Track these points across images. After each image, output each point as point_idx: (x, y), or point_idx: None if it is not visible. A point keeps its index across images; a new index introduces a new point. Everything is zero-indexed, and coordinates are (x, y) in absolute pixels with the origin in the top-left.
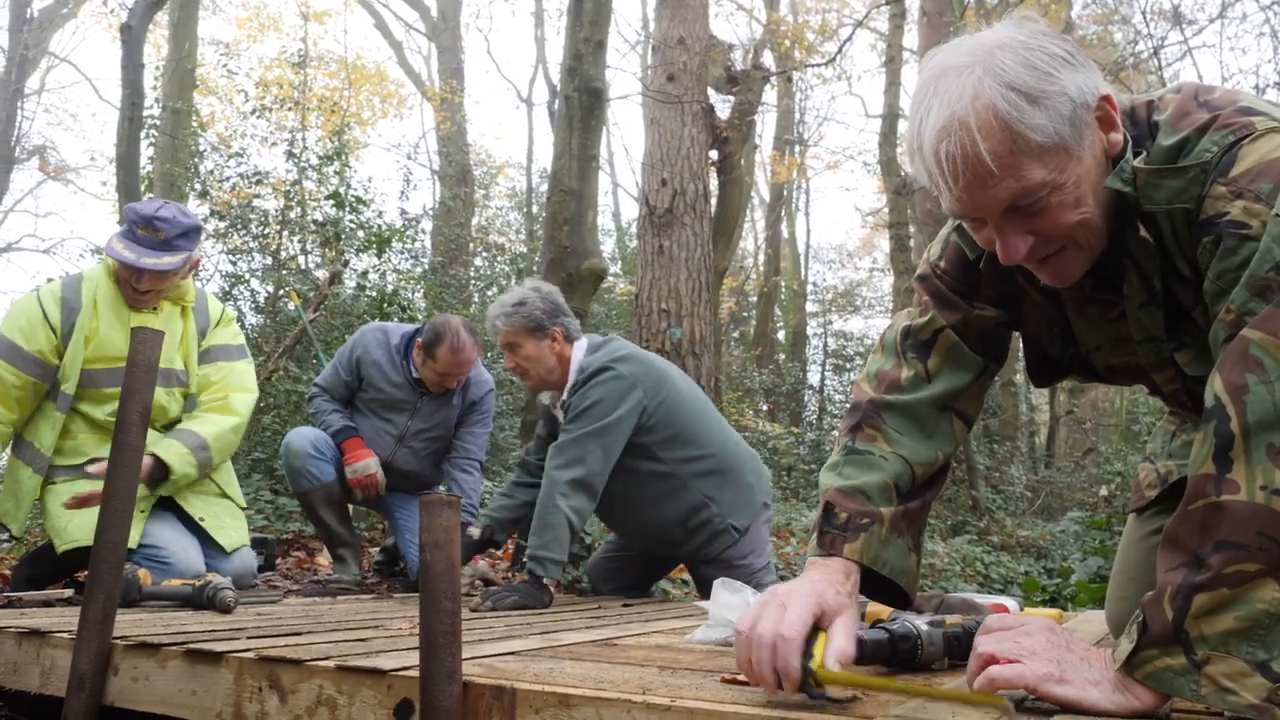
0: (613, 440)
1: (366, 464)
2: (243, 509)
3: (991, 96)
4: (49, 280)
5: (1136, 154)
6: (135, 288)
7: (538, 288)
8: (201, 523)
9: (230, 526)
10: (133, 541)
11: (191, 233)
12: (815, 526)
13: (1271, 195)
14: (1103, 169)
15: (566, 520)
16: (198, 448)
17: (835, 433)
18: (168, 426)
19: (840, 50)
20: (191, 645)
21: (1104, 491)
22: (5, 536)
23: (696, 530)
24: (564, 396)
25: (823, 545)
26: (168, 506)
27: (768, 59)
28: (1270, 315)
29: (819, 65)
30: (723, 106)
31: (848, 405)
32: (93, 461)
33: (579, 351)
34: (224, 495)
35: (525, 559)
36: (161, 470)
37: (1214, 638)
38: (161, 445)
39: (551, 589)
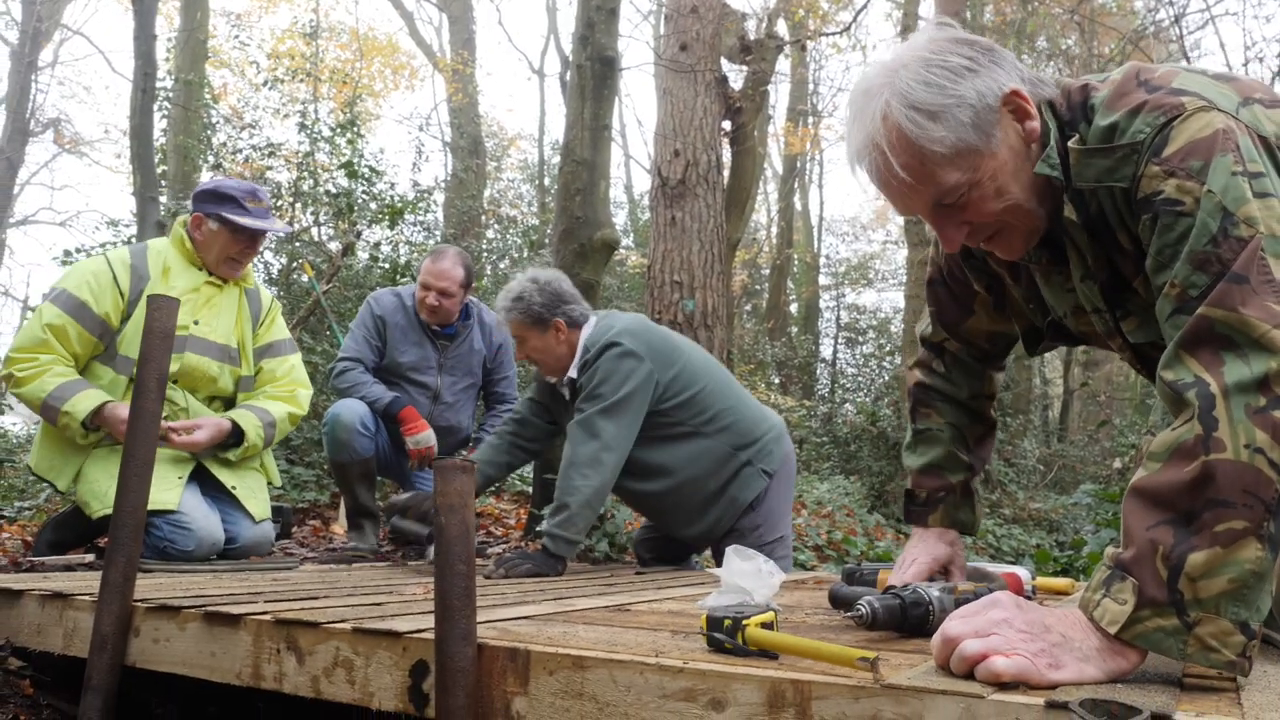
0: (627, 415)
1: (427, 435)
2: (277, 485)
3: (897, 118)
4: (89, 248)
5: (1071, 136)
6: (239, 260)
7: (535, 279)
8: (234, 490)
9: (259, 497)
10: (175, 504)
11: None
12: (905, 506)
13: (1202, 172)
14: (1023, 156)
15: (585, 501)
16: (268, 424)
17: (847, 405)
18: (213, 399)
19: (855, 19)
20: (210, 608)
21: (1117, 464)
22: (28, 504)
23: (728, 483)
24: (571, 374)
25: (912, 521)
26: (193, 476)
27: (782, 28)
28: (1225, 292)
29: (833, 34)
30: (736, 76)
31: (908, 390)
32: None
33: (585, 332)
34: (256, 469)
35: (541, 533)
36: (236, 436)
37: (1209, 601)
38: (239, 414)
39: (565, 561)
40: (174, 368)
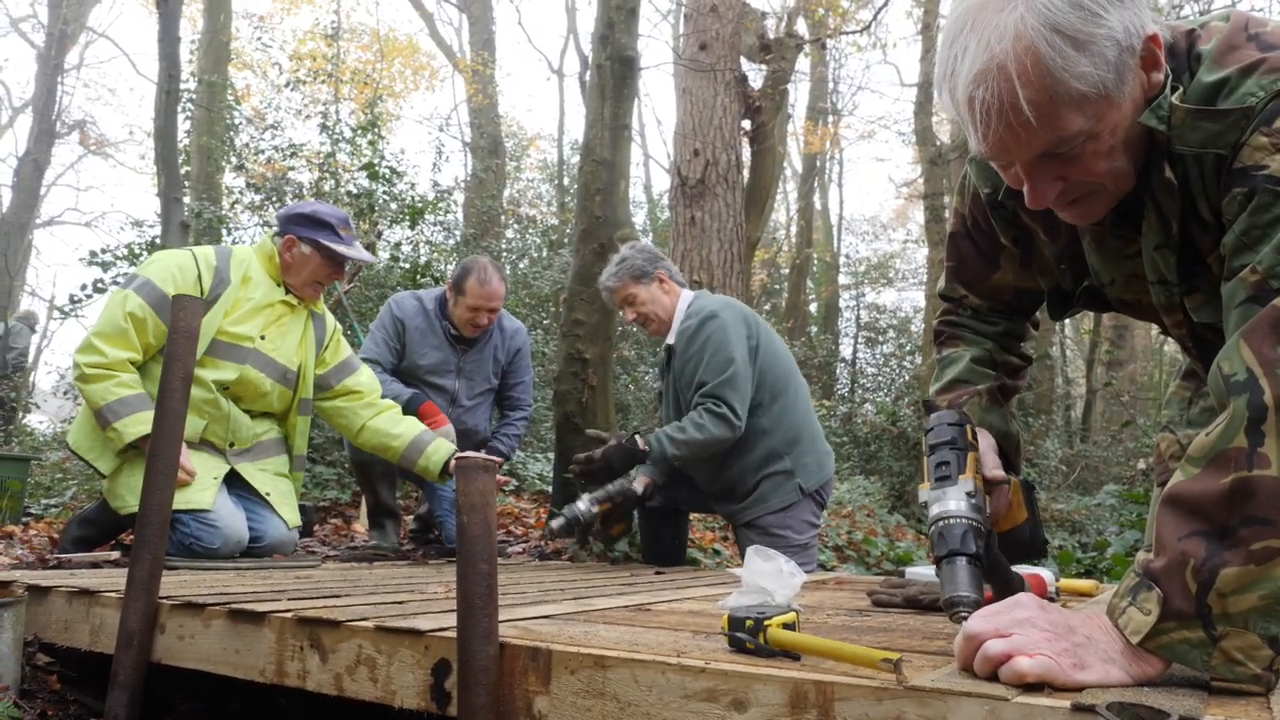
0: (743, 381)
1: (447, 430)
2: (298, 495)
3: (1034, 39)
4: (114, 249)
5: (1174, 89)
6: (324, 283)
7: (632, 245)
8: (267, 497)
9: (290, 503)
10: (209, 504)
11: None
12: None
13: None
14: (1140, 110)
15: (698, 441)
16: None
17: (867, 405)
18: (251, 412)
19: (875, 17)
20: (234, 605)
21: (1142, 465)
22: (54, 501)
23: (764, 481)
24: (669, 340)
25: None
26: (225, 479)
27: (801, 26)
28: None
29: (853, 33)
30: (755, 75)
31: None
32: None
33: (683, 301)
34: (285, 475)
35: (650, 438)
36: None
37: (1237, 616)
38: (444, 444)
39: (644, 483)
40: (231, 376)
